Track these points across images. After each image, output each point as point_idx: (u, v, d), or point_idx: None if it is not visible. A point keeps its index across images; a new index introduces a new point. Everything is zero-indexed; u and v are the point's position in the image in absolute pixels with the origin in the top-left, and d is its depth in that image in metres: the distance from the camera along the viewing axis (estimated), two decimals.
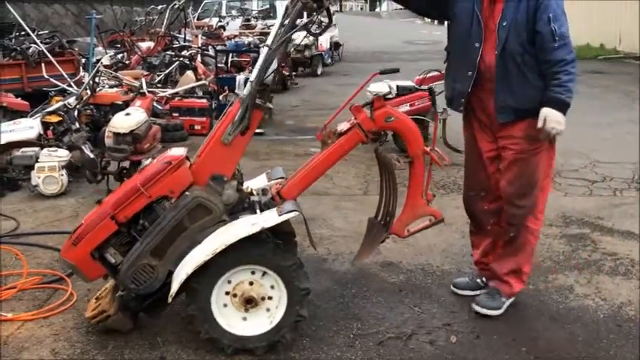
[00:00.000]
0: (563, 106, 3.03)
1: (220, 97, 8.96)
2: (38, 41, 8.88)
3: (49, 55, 8.46)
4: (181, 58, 10.37)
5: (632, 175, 6.06)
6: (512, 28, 3.08)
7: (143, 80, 7.40)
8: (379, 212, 3.46)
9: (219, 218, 2.96)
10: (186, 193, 2.96)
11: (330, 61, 17.01)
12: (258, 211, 3.03)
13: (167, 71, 9.80)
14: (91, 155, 5.71)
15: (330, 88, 12.85)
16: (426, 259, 4.10)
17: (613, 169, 6.29)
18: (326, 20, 3.17)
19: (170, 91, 8.58)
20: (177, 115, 8.11)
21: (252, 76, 2.97)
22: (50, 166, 5.50)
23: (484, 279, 3.58)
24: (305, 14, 3.09)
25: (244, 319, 2.96)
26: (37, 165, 5.52)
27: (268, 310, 2.96)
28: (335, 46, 17.77)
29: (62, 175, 5.54)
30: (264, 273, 2.91)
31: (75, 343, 3.10)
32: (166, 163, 2.99)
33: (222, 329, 2.92)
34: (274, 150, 7.35)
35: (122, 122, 5.54)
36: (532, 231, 3.36)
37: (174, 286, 2.80)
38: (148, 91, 7.20)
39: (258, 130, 5.87)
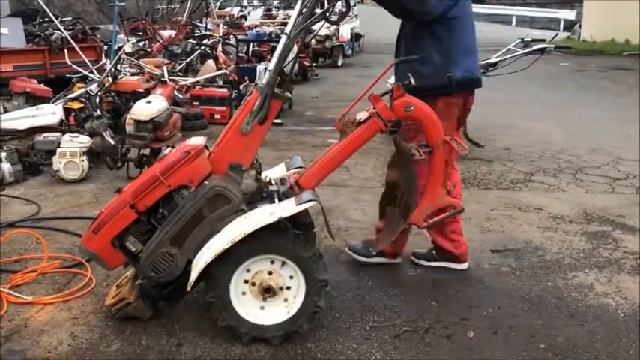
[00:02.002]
0: None
1: (241, 87, 8.98)
2: (61, 28, 8.94)
3: (71, 41, 8.51)
4: (202, 47, 10.40)
5: None
6: None
7: (164, 68, 7.43)
8: (399, 202, 3.43)
9: (237, 207, 2.95)
10: (205, 182, 2.97)
11: (350, 52, 16.96)
12: (276, 200, 3.02)
13: (188, 60, 9.84)
14: (112, 142, 5.76)
15: (350, 79, 12.80)
16: None
17: (636, 166, 6.19)
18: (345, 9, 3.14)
19: (191, 79, 8.61)
20: (197, 103, 8.15)
21: (271, 65, 2.95)
22: (71, 151, 5.56)
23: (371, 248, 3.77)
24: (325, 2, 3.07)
25: (262, 307, 2.96)
26: (58, 150, 5.58)
27: (286, 299, 2.96)
28: (356, 37, 17.70)
29: (83, 161, 5.59)
30: (284, 263, 2.91)
31: (93, 328, 3.13)
32: (185, 153, 2.99)
33: (239, 317, 2.93)
34: (294, 141, 7.35)
35: (143, 110, 5.58)
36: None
37: (194, 274, 2.81)
38: (169, 80, 7.23)
39: (276, 121, 5.91)
